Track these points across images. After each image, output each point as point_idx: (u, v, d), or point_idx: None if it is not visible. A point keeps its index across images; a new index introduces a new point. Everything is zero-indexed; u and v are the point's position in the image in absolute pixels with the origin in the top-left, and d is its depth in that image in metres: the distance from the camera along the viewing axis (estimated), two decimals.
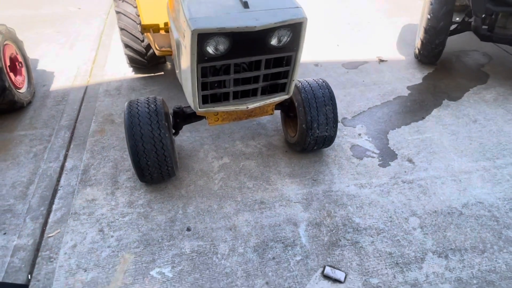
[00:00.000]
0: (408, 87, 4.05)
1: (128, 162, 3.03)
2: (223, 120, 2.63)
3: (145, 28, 3.20)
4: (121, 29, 3.76)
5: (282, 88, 2.46)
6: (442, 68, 4.37)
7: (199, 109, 2.34)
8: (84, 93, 3.95)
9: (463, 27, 4.08)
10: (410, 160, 3.11)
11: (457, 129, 3.44)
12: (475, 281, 2.22)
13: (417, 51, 4.31)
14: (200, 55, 1.99)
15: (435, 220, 2.59)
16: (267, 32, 2.01)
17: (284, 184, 2.87)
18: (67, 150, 3.19)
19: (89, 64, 4.48)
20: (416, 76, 4.23)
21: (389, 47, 4.87)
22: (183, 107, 2.76)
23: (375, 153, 3.19)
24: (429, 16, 3.88)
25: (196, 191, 2.80)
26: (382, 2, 6.28)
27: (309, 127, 2.81)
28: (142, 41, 3.79)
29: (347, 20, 5.65)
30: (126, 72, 4.29)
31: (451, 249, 2.40)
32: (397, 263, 2.32)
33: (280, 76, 2.37)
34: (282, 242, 2.45)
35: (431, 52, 4.12)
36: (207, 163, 3.06)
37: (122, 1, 3.71)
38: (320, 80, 2.94)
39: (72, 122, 3.52)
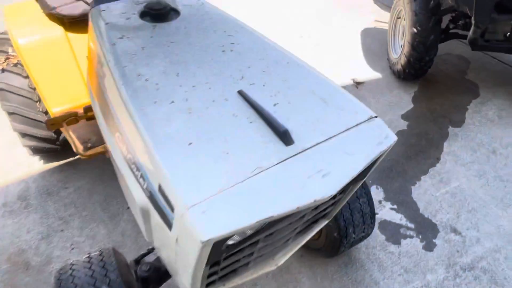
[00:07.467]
0: (402, 116, 3.39)
1: None
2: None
3: (53, 124, 1.98)
4: (10, 113, 2.43)
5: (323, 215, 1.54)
6: (425, 83, 3.80)
7: None
8: None
9: (447, 36, 3.50)
10: (454, 231, 2.44)
11: (481, 168, 2.87)
12: None
13: (400, 68, 3.60)
14: (214, 255, 0.97)
15: None
16: None
17: None
18: None
19: None
20: (404, 99, 3.59)
21: (358, 62, 4.17)
22: (154, 264, 1.66)
23: (410, 229, 2.45)
24: (415, 30, 3.21)
25: None
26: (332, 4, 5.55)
27: (343, 234, 1.95)
28: None
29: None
30: (31, 162, 2.94)
31: None
32: None
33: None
34: None
35: (420, 70, 3.50)
36: None
37: (2, 71, 2.37)
38: None
39: None
